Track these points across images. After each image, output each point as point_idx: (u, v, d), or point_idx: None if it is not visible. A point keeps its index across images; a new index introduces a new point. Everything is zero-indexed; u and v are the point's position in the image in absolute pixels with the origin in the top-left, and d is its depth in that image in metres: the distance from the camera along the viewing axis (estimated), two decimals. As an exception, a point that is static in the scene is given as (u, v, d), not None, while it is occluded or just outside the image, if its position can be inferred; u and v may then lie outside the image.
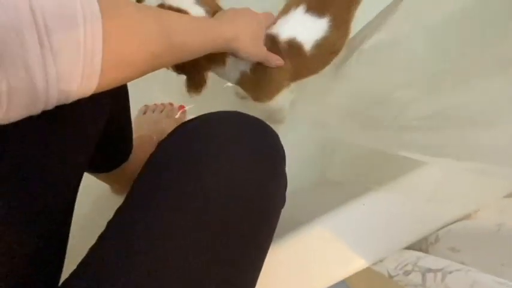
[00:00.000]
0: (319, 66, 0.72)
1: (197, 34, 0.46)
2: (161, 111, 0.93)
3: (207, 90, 0.93)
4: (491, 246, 0.47)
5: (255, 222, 0.41)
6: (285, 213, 0.48)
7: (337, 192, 0.69)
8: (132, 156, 0.75)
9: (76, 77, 0.30)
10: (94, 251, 0.39)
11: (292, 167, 0.86)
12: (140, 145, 0.80)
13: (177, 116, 0.95)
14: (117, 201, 0.83)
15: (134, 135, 0.84)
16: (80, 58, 0.30)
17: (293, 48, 0.67)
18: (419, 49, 0.52)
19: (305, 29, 0.67)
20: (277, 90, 0.73)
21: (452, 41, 0.50)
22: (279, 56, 0.66)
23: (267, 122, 0.47)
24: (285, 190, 0.47)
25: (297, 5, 0.67)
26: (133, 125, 0.71)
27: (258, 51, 0.62)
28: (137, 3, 0.40)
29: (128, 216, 0.40)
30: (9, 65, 0.26)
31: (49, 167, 0.40)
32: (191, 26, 0.45)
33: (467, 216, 0.59)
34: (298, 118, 0.92)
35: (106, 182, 0.79)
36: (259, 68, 0.67)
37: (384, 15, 0.59)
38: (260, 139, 0.44)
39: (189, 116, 0.97)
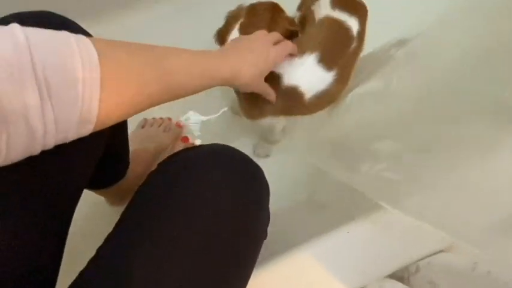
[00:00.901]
0: (312, 111, 0.74)
1: (195, 75, 0.46)
2: (159, 126, 0.95)
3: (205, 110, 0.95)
4: (467, 284, 0.49)
5: (237, 256, 0.44)
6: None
7: (322, 216, 0.71)
8: (128, 170, 0.77)
9: (73, 123, 0.32)
10: (83, 276, 0.41)
11: (281, 187, 0.88)
12: (136, 159, 0.82)
13: (174, 129, 0.97)
14: (112, 210, 0.84)
15: (131, 149, 0.86)
16: (78, 107, 0.32)
17: (293, 94, 0.68)
18: (409, 101, 0.56)
19: (311, 80, 0.68)
20: (265, 115, 0.75)
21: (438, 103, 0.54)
22: (275, 91, 0.67)
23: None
24: (268, 225, 0.49)
25: (313, 51, 0.68)
26: (130, 138, 0.73)
27: (255, 87, 0.62)
28: (134, 44, 0.41)
29: (117, 248, 0.42)
30: (10, 118, 0.28)
31: (48, 190, 0.42)
32: (189, 67, 0.45)
33: (447, 248, 0.61)
34: (290, 141, 0.94)
35: (101, 195, 0.81)
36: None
37: (380, 62, 0.62)
38: (246, 177, 0.46)
39: (186, 132, 0.99)
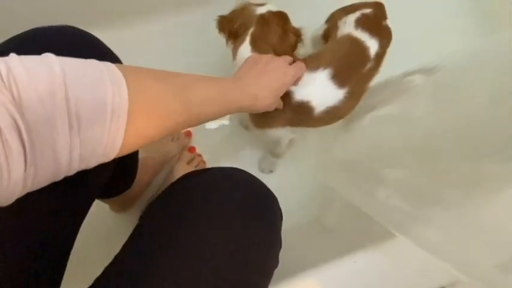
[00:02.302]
0: (320, 125, 0.74)
1: (214, 105, 0.47)
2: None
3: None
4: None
5: (251, 283, 0.43)
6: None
7: (329, 241, 0.71)
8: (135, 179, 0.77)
9: (97, 155, 0.32)
10: None
11: (288, 208, 0.88)
12: (144, 167, 0.82)
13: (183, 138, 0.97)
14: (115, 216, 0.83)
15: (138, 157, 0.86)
16: (104, 140, 0.31)
17: (303, 108, 0.69)
18: (426, 130, 0.56)
19: (323, 96, 0.69)
20: (273, 125, 0.75)
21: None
22: (286, 104, 0.67)
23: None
24: (279, 252, 0.48)
25: (326, 66, 0.68)
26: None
27: (270, 108, 0.62)
28: (160, 73, 0.41)
29: (125, 272, 0.42)
30: (39, 152, 0.28)
31: (59, 200, 0.42)
32: (209, 97, 0.46)
33: (453, 283, 0.60)
34: (302, 157, 0.94)
35: (106, 203, 0.80)
36: None
37: (400, 88, 0.62)
38: (262, 205, 0.46)
39: (194, 142, 0.99)
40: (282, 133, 0.78)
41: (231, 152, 1.00)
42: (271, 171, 0.96)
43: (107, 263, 0.44)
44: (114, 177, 0.55)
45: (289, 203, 0.89)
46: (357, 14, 0.73)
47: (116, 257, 0.44)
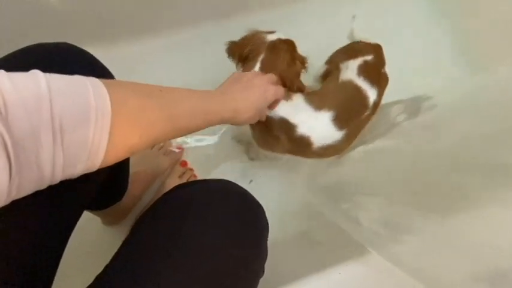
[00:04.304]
0: (315, 157, 0.79)
1: (197, 117, 0.48)
2: (160, 149, 0.96)
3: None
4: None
5: None
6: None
7: (316, 253, 0.72)
8: (126, 192, 0.78)
9: (81, 164, 0.34)
10: None
11: (280, 217, 0.89)
12: (135, 181, 0.83)
13: (174, 150, 0.98)
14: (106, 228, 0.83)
15: (130, 171, 0.87)
16: (86, 151, 0.33)
17: (303, 141, 0.73)
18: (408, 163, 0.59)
19: (322, 134, 0.73)
20: (274, 151, 0.79)
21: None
22: (289, 137, 0.71)
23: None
24: (265, 262, 0.50)
25: (330, 109, 0.73)
26: (130, 159, 0.74)
27: (251, 122, 0.64)
28: (145, 87, 0.43)
29: (114, 282, 0.43)
30: (24, 164, 0.29)
31: (48, 211, 0.44)
32: (193, 110, 0.47)
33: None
34: (294, 174, 0.96)
35: (96, 215, 0.81)
36: (258, 127, 0.74)
37: (389, 124, 0.67)
38: (248, 216, 0.48)
39: (186, 156, 1.00)
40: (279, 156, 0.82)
41: (222, 166, 1.02)
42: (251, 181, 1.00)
43: (97, 275, 0.45)
44: (104, 189, 0.56)
45: (278, 215, 0.91)
46: (359, 60, 0.78)
47: (106, 268, 0.45)
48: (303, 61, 0.77)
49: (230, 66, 1.12)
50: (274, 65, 0.72)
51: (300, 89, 0.75)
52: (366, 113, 0.75)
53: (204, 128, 0.51)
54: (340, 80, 0.77)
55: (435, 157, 0.56)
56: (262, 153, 0.97)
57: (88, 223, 0.87)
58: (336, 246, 0.69)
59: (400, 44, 1.10)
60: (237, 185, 0.52)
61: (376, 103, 0.76)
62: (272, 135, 0.74)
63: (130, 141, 0.38)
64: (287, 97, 0.72)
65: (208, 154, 1.02)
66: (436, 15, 1.19)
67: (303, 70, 0.78)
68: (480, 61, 1.10)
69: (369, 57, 0.78)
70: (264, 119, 0.69)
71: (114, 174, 0.63)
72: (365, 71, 0.76)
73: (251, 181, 1.01)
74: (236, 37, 0.77)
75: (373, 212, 0.59)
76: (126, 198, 0.78)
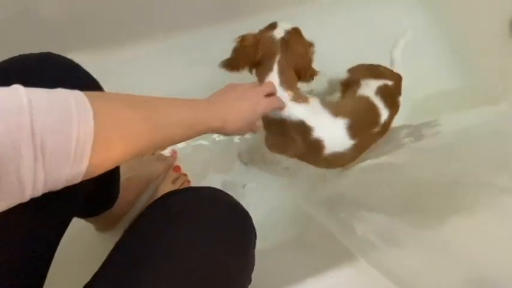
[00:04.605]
0: (321, 165, 0.80)
1: (184, 127, 0.48)
2: (153, 154, 0.96)
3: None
4: None
5: None
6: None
7: (309, 257, 0.72)
8: (119, 197, 0.77)
9: (63, 177, 0.34)
10: None
11: (270, 223, 0.89)
12: (128, 186, 0.83)
13: (167, 156, 0.98)
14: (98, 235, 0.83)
15: (123, 177, 0.87)
16: (69, 163, 0.33)
17: (316, 145, 0.74)
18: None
19: (335, 139, 0.75)
20: (284, 154, 0.80)
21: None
22: (305, 140, 0.73)
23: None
24: (252, 271, 0.50)
25: (345, 116, 0.75)
26: (122, 165, 0.74)
27: (238, 134, 0.64)
28: (130, 98, 0.42)
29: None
30: (4, 180, 0.29)
31: (34, 219, 0.43)
32: (180, 120, 0.47)
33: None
34: (291, 181, 0.97)
35: (89, 222, 0.81)
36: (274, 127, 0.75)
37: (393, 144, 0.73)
38: (236, 224, 0.49)
39: (179, 162, 1.00)
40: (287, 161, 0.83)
41: (216, 171, 1.02)
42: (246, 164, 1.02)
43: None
44: (93, 197, 0.56)
45: (270, 220, 0.92)
46: (380, 82, 0.81)
47: (94, 276, 0.45)
48: (311, 46, 0.78)
49: (222, 71, 1.12)
50: (290, 63, 0.73)
51: (315, 74, 0.78)
52: (375, 129, 0.78)
53: (191, 138, 0.50)
54: (357, 94, 0.80)
55: (435, 176, 0.59)
56: (261, 157, 0.98)
57: (81, 230, 0.87)
58: (328, 251, 0.69)
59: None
60: (227, 193, 0.52)
61: (386, 124, 0.79)
62: (288, 136, 0.75)
63: (114, 154, 0.38)
64: (304, 100, 0.73)
65: (202, 159, 1.02)
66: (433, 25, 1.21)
67: (313, 55, 0.78)
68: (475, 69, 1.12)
69: (390, 83, 0.82)
70: (255, 132, 0.69)
71: (103, 182, 0.63)
72: (383, 92, 0.80)
73: (245, 185, 1.01)
74: (228, 42, 0.77)
75: (370, 223, 0.60)
76: (118, 205, 0.77)
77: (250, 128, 0.66)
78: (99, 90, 0.55)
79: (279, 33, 0.74)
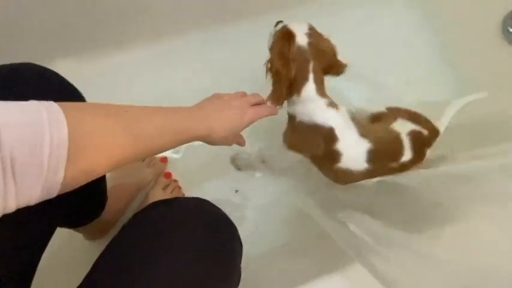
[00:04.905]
0: (330, 177, 0.81)
1: (167, 135, 0.47)
2: (143, 160, 0.95)
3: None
4: None
5: None
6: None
7: (300, 265, 0.72)
8: (107, 206, 0.76)
9: (36, 192, 0.32)
10: None
11: (262, 229, 0.88)
12: (116, 195, 0.82)
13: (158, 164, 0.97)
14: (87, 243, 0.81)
15: (111, 184, 0.85)
16: (42, 179, 0.32)
17: (334, 154, 0.74)
18: None
19: (353, 158, 0.75)
20: (301, 153, 0.80)
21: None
22: (329, 143, 0.73)
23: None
24: (238, 283, 0.50)
25: (371, 140, 0.76)
26: (111, 173, 0.73)
27: (228, 143, 0.62)
28: (107, 107, 0.41)
29: None
30: None
31: (16, 231, 0.42)
32: (162, 129, 0.46)
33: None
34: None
35: (77, 232, 0.79)
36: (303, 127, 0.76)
37: None
38: (222, 237, 0.48)
39: (170, 168, 0.99)
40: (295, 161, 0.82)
41: (207, 177, 1.01)
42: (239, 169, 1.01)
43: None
44: (78, 207, 0.55)
45: (262, 226, 0.90)
46: (416, 127, 0.80)
47: (82, 282, 0.44)
48: (328, 38, 0.76)
49: (211, 76, 1.11)
50: (321, 65, 0.73)
51: (344, 67, 0.76)
52: (392, 165, 0.78)
53: (177, 146, 0.49)
54: (390, 126, 0.80)
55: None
56: (261, 157, 0.95)
57: (71, 237, 0.85)
58: (320, 258, 0.69)
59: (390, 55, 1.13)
60: (213, 205, 0.52)
61: (404, 166, 0.78)
62: (313, 139, 0.75)
63: (92, 165, 0.37)
64: (337, 108, 0.74)
65: (193, 164, 1.01)
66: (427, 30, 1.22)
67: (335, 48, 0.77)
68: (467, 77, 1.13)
69: (425, 132, 0.81)
70: (243, 145, 0.68)
71: (88, 192, 0.61)
72: (415, 137, 0.79)
73: (237, 191, 1.00)
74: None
75: (367, 225, 0.60)
76: (106, 214, 0.76)
77: (237, 140, 0.65)
78: (80, 99, 0.55)
79: (302, 39, 0.72)
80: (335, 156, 0.74)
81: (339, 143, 0.73)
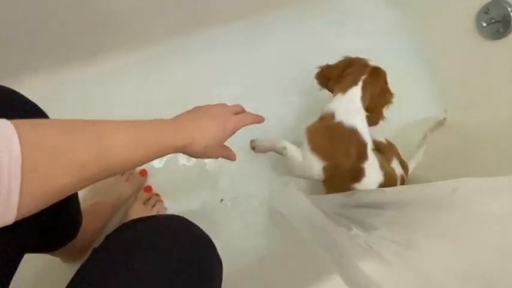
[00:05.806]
0: (339, 189, 0.79)
1: (141, 149, 0.44)
2: (122, 174, 0.92)
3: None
4: None
5: None
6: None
7: (284, 274, 0.70)
8: (83, 226, 0.73)
9: None
10: None
11: (247, 240, 0.86)
12: (94, 213, 0.78)
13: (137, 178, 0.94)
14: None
15: (88, 203, 0.82)
16: None
17: (357, 172, 0.76)
18: None
19: (370, 182, 0.77)
20: (323, 159, 0.78)
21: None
22: (359, 159, 0.76)
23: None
24: None
25: (384, 171, 0.80)
26: (88, 189, 0.70)
27: (211, 155, 0.59)
28: (70, 122, 0.38)
29: None
30: None
31: None
32: (132, 141, 0.43)
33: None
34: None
35: (54, 256, 0.75)
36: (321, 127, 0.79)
37: None
38: (198, 254, 0.46)
39: (150, 181, 0.96)
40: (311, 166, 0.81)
41: (190, 188, 0.98)
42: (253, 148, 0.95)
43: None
44: (48, 230, 0.52)
45: (247, 235, 0.89)
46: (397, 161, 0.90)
47: None
48: (391, 95, 0.86)
49: (193, 85, 1.09)
50: (371, 88, 0.81)
51: (382, 118, 0.85)
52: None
53: (155, 159, 0.47)
54: (392, 164, 0.87)
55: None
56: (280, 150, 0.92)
57: (48, 259, 0.82)
58: (305, 268, 0.67)
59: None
60: (191, 223, 0.50)
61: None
62: (345, 147, 0.76)
63: (54, 185, 0.34)
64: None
65: (175, 175, 0.98)
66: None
67: (389, 104, 0.86)
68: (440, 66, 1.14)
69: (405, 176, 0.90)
70: (233, 159, 0.64)
71: (57, 213, 0.58)
72: (401, 181, 0.87)
73: (222, 200, 0.98)
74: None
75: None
76: (83, 234, 0.72)
77: (224, 153, 0.62)
78: (40, 115, 0.52)
79: (372, 63, 0.84)
80: (358, 174, 0.75)
81: (367, 163, 0.75)
